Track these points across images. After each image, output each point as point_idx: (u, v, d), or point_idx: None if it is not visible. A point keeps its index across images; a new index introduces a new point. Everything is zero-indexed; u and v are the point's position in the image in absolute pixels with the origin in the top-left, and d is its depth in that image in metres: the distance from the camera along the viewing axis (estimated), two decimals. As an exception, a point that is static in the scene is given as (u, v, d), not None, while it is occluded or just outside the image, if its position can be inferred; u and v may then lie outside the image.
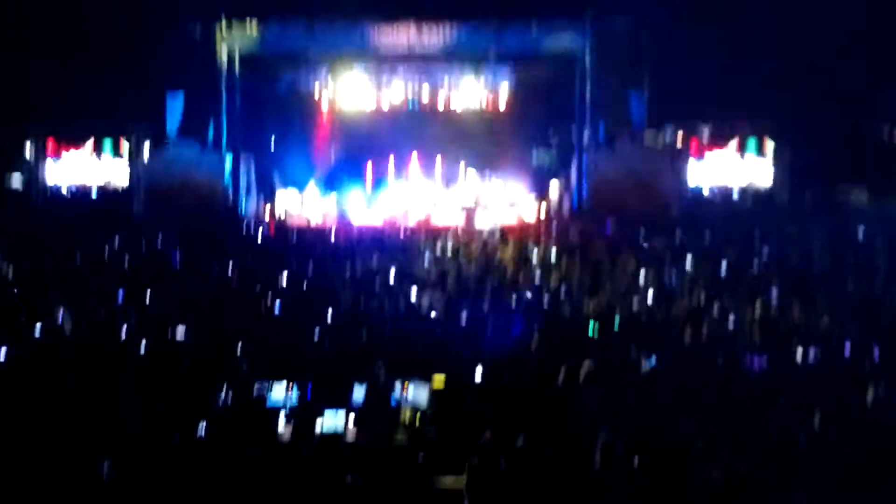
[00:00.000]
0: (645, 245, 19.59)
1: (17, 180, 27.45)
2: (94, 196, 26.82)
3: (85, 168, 26.96)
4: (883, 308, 13.72)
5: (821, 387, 9.53)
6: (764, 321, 12.94)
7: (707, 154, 26.59)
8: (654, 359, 10.34)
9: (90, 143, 26.93)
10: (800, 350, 11.02)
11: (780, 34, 22.61)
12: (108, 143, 26.98)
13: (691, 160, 26.49)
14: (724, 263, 16.91)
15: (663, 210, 23.69)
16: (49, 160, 27.08)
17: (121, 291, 14.06)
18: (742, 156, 26.48)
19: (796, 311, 13.33)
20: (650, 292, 14.60)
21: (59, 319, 12.48)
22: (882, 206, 21.65)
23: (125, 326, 11.94)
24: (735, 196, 26.16)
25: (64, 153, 27.03)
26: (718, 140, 26.51)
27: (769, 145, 26.15)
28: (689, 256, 17.61)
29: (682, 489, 7.17)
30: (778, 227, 20.33)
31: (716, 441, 7.77)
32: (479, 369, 9.75)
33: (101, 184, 26.98)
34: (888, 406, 9.00)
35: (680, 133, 26.50)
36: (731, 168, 26.46)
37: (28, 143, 27.18)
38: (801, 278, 15.78)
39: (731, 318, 13.00)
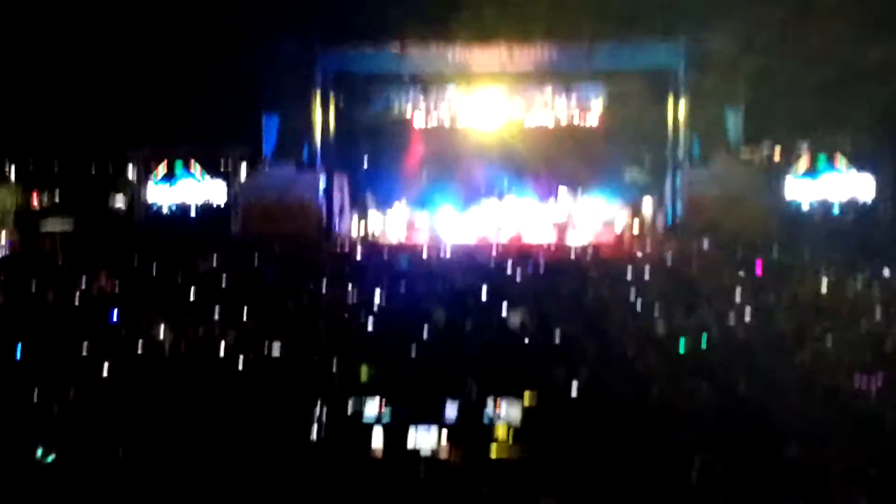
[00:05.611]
0: (740, 262, 19.22)
1: (119, 200, 28.34)
2: (192, 215, 27.49)
3: (184, 188, 27.67)
4: None
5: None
6: (868, 341, 12.53)
7: (805, 170, 26.09)
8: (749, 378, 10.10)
9: (189, 164, 27.63)
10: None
11: (877, 48, 22.10)
12: (206, 164, 27.66)
13: (789, 176, 26.04)
14: (824, 281, 16.51)
15: (760, 227, 23.27)
16: (150, 181, 27.85)
17: (218, 308, 14.32)
18: (840, 171, 25.91)
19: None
20: (747, 311, 14.28)
21: (160, 335, 12.74)
22: None
23: (223, 343, 12.14)
24: (835, 212, 25.59)
25: (164, 174, 27.77)
26: (816, 155, 25.99)
27: (868, 160, 25.56)
28: (787, 274, 17.25)
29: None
30: (878, 242, 19.79)
31: (817, 467, 7.55)
32: (573, 386, 9.66)
33: (200, 203, 27.63)
34: None
35: (777, 149, 26.08)
36: (830, 183, 25.90)
37: (130, 165, 28.04)
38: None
39: (833, 338, 12.62)
